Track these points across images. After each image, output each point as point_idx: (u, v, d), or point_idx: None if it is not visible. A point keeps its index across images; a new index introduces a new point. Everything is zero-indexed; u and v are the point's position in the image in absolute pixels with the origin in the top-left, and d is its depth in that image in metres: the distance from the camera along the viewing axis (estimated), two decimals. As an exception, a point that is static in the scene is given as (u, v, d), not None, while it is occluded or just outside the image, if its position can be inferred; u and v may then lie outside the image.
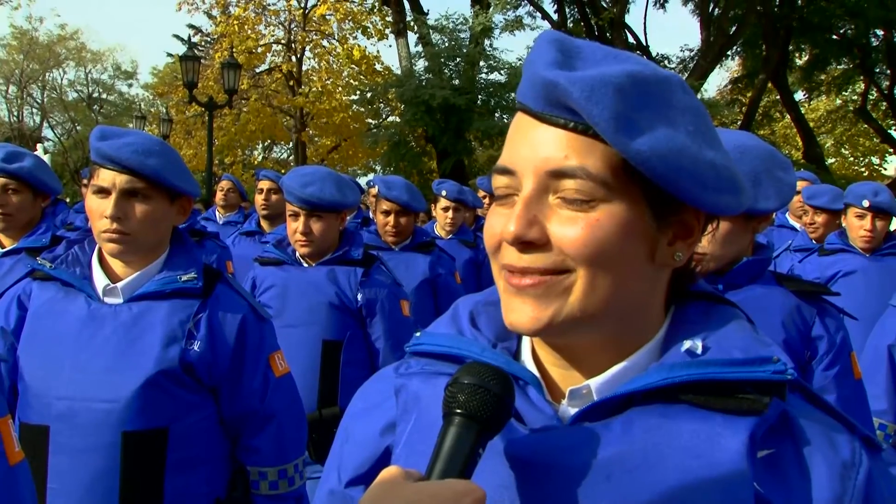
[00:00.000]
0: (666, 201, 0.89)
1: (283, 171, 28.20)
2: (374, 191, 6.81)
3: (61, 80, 39.14)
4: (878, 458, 0.93)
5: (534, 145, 0.89)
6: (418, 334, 1.06)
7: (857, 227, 4.57)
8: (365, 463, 1.03)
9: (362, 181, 9.03)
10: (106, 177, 2.08)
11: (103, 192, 2.09)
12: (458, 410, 0.84)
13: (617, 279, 0.88)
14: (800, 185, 5.88)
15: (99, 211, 2.08)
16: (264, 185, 5.89)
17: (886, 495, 0.90)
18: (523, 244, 0.87)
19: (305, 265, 3.49)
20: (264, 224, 5.92)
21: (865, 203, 4.47)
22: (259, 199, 5.88)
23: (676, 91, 0.90)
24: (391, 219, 4.60)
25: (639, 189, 0.87)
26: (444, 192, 5.72)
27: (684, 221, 0.92)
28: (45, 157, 18.17)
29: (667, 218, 0.90)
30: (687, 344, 0.91)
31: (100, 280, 2.15)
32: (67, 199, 16.04)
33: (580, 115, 0.85)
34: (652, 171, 0.85)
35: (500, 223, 0.91)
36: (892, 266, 4.58)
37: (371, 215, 7.13)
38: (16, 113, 37.63)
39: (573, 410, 0.92)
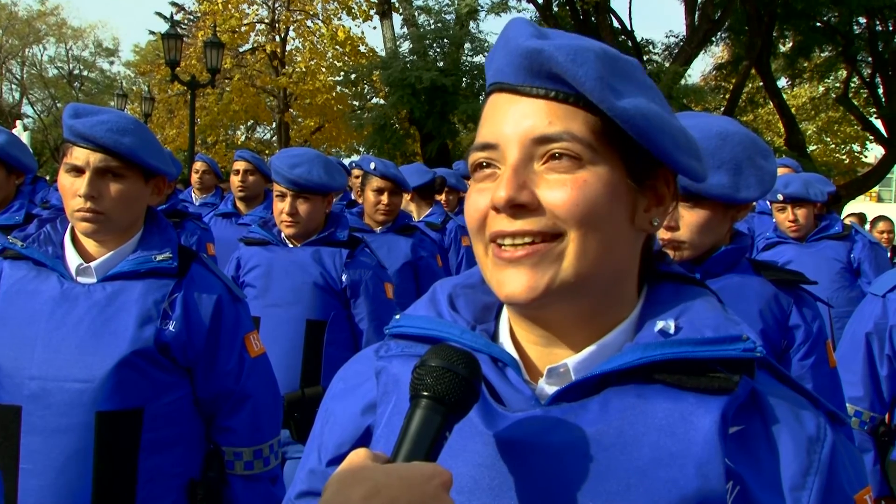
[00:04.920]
0: (641, 165, 0.93)
1: (266, 151, 28.10)
2: (357, 171, 6.74)
3: (41, 56, 38.77)
4: (842, 432, 0.97)
5: (516, 118, 0.92)
6: (398, 317, 1.07)
7: (782, 219, 4.92)
8: (345, 442, 1.05)
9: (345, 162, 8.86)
10: (80, 155, 2.06)
11: (77, 170, 2.07)
12: (426, 393, 0.85)
13: (606, 241, 0.91)
14: (781, 171, 5.97)
15: (72, 190, 2.06)
16: (240, 165, 5.74)
17: (849, 467, 0.94)
18: (515, 208, 0.90)
19: (290, 246, 3.50)
20: (240, 205, 5.81)
21: (780, 196, 4.76)
22: (235, 180, 5.74)
23: (637, 70, 0.96)
24: (384, 197, 4.60)
25: (617, 154, 0.91)
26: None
27: (657, 189, 0.97)
28: (25, 135, 17.97)
29: (643, 182, 0.94)
30: (660, 324, 0.93)
31: (73, 259, 2.12)
32: (48, 178, 15.87)
33: (563, 81, 0.89)
34: (636, 128, 0.89)
35: (484, 198, 0.93)
36: (822, 249, 4.94)
37: (353, 197, 7.06)
38: (-6, 89, 37.18)
39: (551, 389, 0.95)
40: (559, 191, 0.89)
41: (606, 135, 0.90)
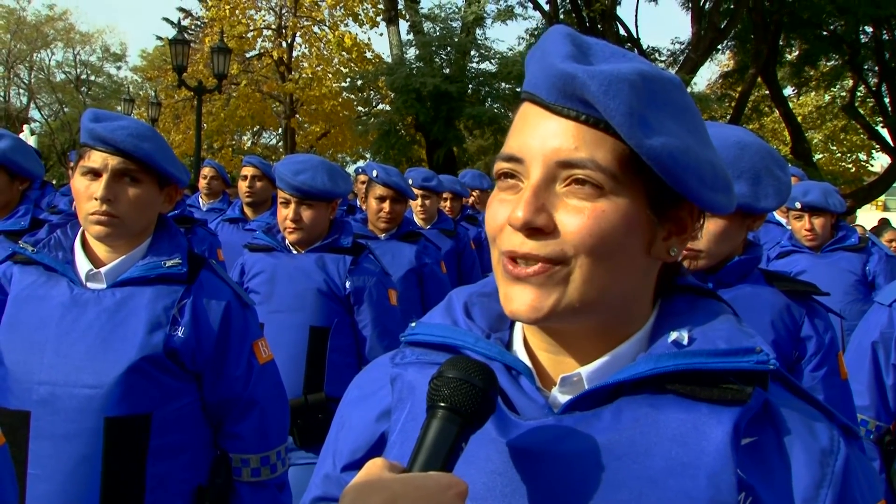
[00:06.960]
0: (665, 197, 0.92)
1: (272, 157, 28.15)
2: (363, 178, 6.76)
3: (49, 60, 38.88)
4: (855, 446, 0.96)
5: (543, 135, 0.91)
6: (413, 324, 1.08)
7: (799, 228, 4.86)
8: (360, 448, 1.06)
9: (350, 169, 8.94)
10: (97, 158, 2.06)
11: (93, 173, 2.07)
12: (442, 404, 0.85)
13: (614, 270, 0.91)
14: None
15: (88, 193, 2.06)
16: (248, 171, 5.77)
17: (862, 480, 0.94)
18: (531, 230, 0.90)
19: (294, 252, 3.50)
20: (248, 211, 5.83)
21: (798, 205, 4.72)
22: (243, 185, 5.77)
23: (676, 91, 0.94)
24: (386, 205, 4.59)
25: (641, 184, 0.90)
26: (409, 181, 5.64)
27: (680, 218, 0.96)
28: (32, 139, 18.01)
29: (665, 213, 0.93)
30: (674, 335, 0.94)
31: (83, 265, 2.13)
32: (54, 182, 15.91)
33: (594, 108, 0.88)
34: (662, 166, 0.88)
35: (504, 210, 0.93)
36: (837, 260, 4.88)
37: (359, 203, 7.06)
38: (2, 93, 37.33)
39: (564, 397, 0.95)
40: (576, 217, 0.89)
41: (632, 164, 0.89)
